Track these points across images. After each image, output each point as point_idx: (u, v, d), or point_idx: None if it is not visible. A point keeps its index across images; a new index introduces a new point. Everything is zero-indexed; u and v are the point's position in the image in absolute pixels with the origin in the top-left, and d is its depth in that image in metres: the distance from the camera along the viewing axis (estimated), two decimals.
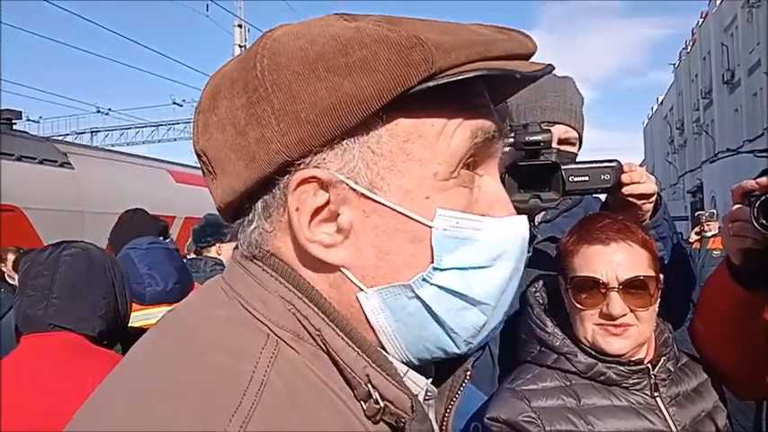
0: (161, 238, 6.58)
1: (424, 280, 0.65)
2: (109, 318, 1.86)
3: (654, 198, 1.62)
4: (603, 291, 1.39)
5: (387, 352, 0.68)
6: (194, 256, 5.28)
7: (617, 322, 1.39)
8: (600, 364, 1.42)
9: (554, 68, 0.69)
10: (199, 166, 0.74)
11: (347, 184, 0.64)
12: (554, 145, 1.69)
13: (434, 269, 0.65)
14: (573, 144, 1.89)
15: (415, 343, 0.68)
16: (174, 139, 30.46)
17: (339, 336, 0.65)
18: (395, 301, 0.66)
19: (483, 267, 0.67)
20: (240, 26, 21.89)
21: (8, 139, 8.80)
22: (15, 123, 9.88)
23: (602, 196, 1.76)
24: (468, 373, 0.77)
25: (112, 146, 27.24)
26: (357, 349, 0.65)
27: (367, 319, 0.67)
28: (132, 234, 3.85)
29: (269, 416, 0.58)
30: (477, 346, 0.72)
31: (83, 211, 9.26)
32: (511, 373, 1.53)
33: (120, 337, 1.95)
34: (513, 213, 0.71)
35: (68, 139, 24.37)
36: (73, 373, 1.65)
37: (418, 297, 0.66)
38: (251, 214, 0.69)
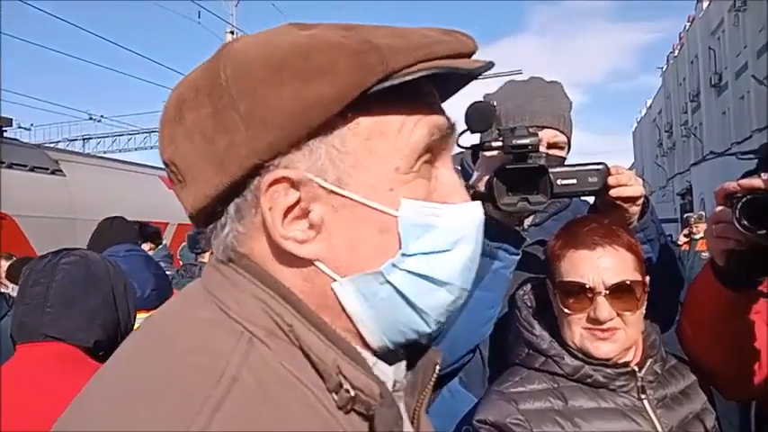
0: (152, 244, 6.63)
1: (393, 266, 0.70)
2: (107, 327, 1.83)
3: (641, 201, 1.63)
4: (590, 295, 1.41)
5: (363, 338, 0.73)
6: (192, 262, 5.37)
7: (604, 326, 1.41)
8: (587, 366, 1.43)
9: (494, 65, 0.75)
10: None
11: (316, 182, 0.68)
12: (543, 149, 1.70)
13: (403, 255, 0.70)
14: (561, 148, 1.91)
15: (389, 326, 0.73)
16: None
17: (310, 330, 0.69)
18: (368, 288, 0.70)
19: (445, 251, 0.72)
20: (232, 33, 21.84)
21: None
22: (6, 131, 9.85)
23: (591, 199, 1.78)
24: (438, 367, 0.81)
25: (104, 153, 27.14)
26: (327, 342, 0.69)
27: (343, 308, 0.71)
28: (111, 242, 3.89)
29: (237, 408, 0.61)
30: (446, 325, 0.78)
31: (74, 219, 9.22)
32: (499, 376, 1.54)
33: None
34: (467, 200, 0.77)
35: (60, 146, 24.27)
36: (65, 383, 1.64)
37: (389, 282, 0.70)
38: (223, 218, 0.72)
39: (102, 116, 26.97)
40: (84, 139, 30.05)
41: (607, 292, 1.40)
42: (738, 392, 1.60)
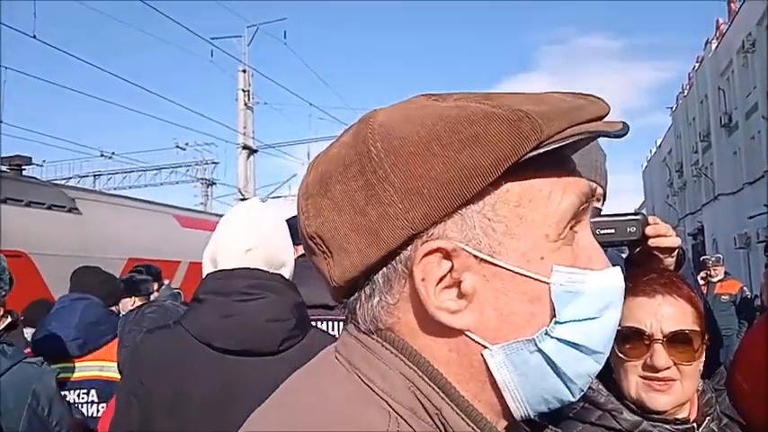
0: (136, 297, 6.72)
1: (546, 334, 0.68)
2: None
3: (676, 252, 1.64)
4: (647, 342, 1.39)
5: (506, 410, 0.71)
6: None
7: (660, 375, 1.38)
8: (645, 422, 1.41)
9: (629, 127, 0.72)
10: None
11: (469, 252, 0.67)
12: None
13: (556, 323, 0.68)
14: (598, 200, 1.92)
15: (534, 395, 0.71)
16: (177, 183, 30.61)
17: (458, 415, 0.67)
18: (517, 356, 0.68)
19: (594, 318, 0.70)
20: (244, 71, 22.25)
21: (17, 184, 8.87)
22: (25, 169, 9.97)
23: (626, 251, 1.78)
24: None
25: (115, 189, 27.33)
26: (475, 428, 0.67)
27: (490, 377, 0.69)
28: (82, 288, 4.20)
29: None
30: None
31: (89, 257, 9.22)
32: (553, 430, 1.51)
33: None
34: (609, 265, 0.74)
35: (72, 182, 24.50)
36: None
37: (540, 351, 0.68)
38: (368, 288, 0.71)
39: (113, 153, 27.00)
40: (95, 176, 30.29)
41: (664, 339, 1.38)
42: None
